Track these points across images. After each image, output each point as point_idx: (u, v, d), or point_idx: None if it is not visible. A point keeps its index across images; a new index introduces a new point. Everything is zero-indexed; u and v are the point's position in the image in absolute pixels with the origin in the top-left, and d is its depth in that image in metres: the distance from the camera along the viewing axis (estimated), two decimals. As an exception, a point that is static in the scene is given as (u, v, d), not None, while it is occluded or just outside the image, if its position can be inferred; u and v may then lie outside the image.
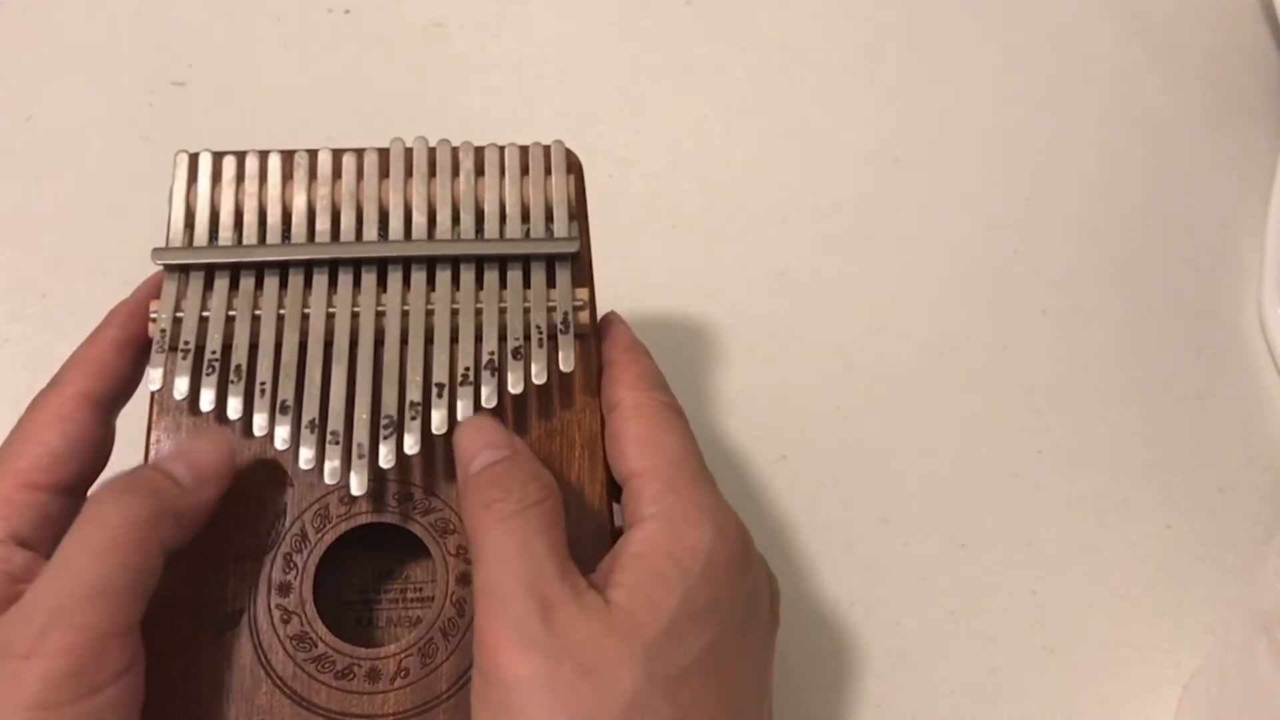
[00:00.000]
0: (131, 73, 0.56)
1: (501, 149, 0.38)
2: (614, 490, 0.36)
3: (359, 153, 0.38)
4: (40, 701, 0.28)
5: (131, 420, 0.36)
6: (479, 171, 0.38)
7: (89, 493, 0.35)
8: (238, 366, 0.35)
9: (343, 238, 0.37)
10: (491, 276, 0.36)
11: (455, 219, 0.37)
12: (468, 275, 0.36)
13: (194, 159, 0.38)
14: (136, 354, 0.36)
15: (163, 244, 0.37)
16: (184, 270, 0.36)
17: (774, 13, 0.59)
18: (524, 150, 0.38)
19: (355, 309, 0.36)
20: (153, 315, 0.35)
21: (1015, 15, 0.59)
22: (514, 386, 0.35)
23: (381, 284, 0.36)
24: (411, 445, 0.34)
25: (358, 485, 0.34)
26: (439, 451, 0.35)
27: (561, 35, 0.58)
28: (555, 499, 0.32)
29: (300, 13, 0.58)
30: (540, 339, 0.35)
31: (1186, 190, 0.55)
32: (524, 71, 0.57)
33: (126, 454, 0.36)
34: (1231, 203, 0.54)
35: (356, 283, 0.36)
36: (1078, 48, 0.59)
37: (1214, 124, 0.57)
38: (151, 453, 0.35)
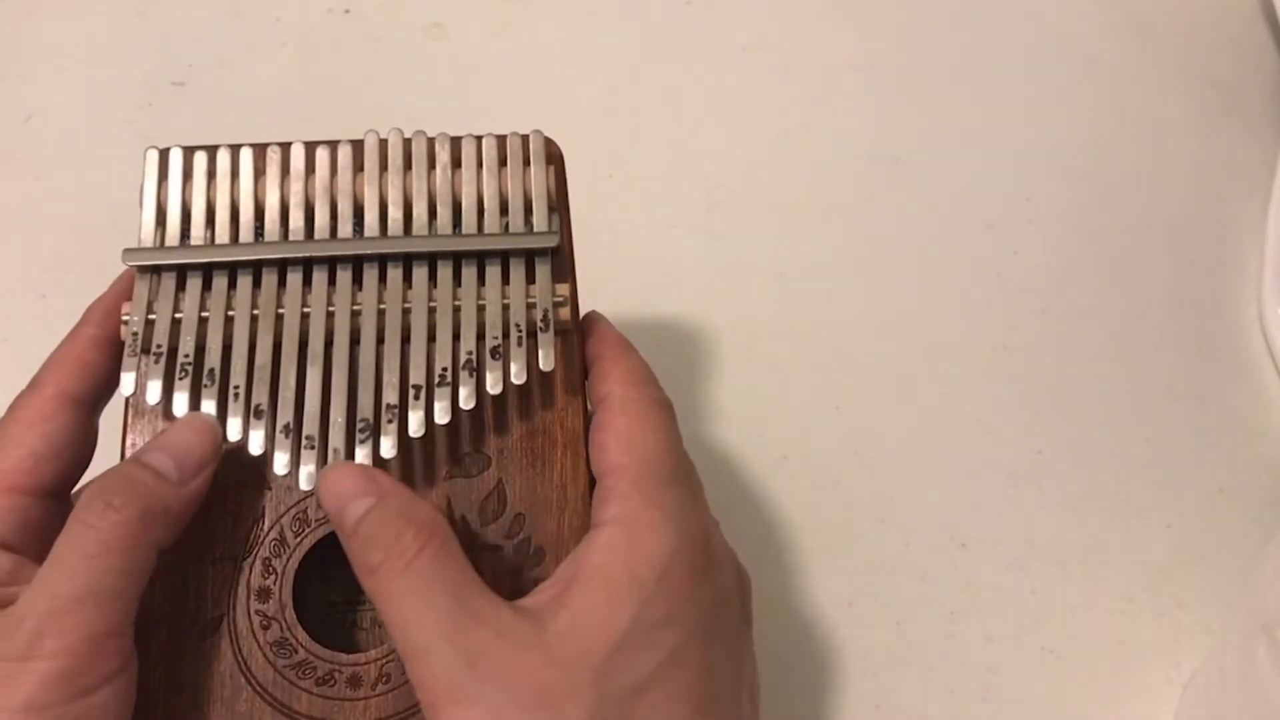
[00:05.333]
0: (131, 73, 0.56)
1: (478, 139, 0.37)
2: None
3: (332, 146, 0.37)
4: (34, 703, 0.28)
5: (114, 419, 0.36)
6: (455, 164, 0.37)
7: (73, 492, 0.35)
8: (211, 370, 0.34)
9: (317, 234, 0.36)
10: (469, 273, 0.36)
11: (432, 213, 0.36)
12: (445, 272, 0.35)
13: (164, 155, 0.37)
14: (116, 351, 0.35)
15: (134, 244, 0.36)
16: (155, 271, 0.35)
17: (774, 13, 0.59)
18: (501, 140, 0.37)
19: (330, 308, 0.35)
20: (125, 317, 0.35)
21: (1015, 15, 0.59)
22: (492, 387, 0.34)
23: (357, 282, 0.35)
24: (388, 449, 0.33)
25: None
26: (416, 454, 0.35)
27: (561, 35, 0.58)
28: (440, 535, 0.31)
29: (300, 13, 0.58)
30: (520, 337, 0.35)
31: (1186, 190, 0.55)
32: (524, 71, 0.57)
33: (111, 454, 0.35)
34: (1231, 203, 0.54)
35: (331, 281, 0.35)
36: (1078, 48, 0.59)
37: (1214, 124, 0.57)
38: (126, 457, 0.34)
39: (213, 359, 0.34)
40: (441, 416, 0.34)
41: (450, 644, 0.29)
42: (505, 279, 0.36)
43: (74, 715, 0.28)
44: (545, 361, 0.34)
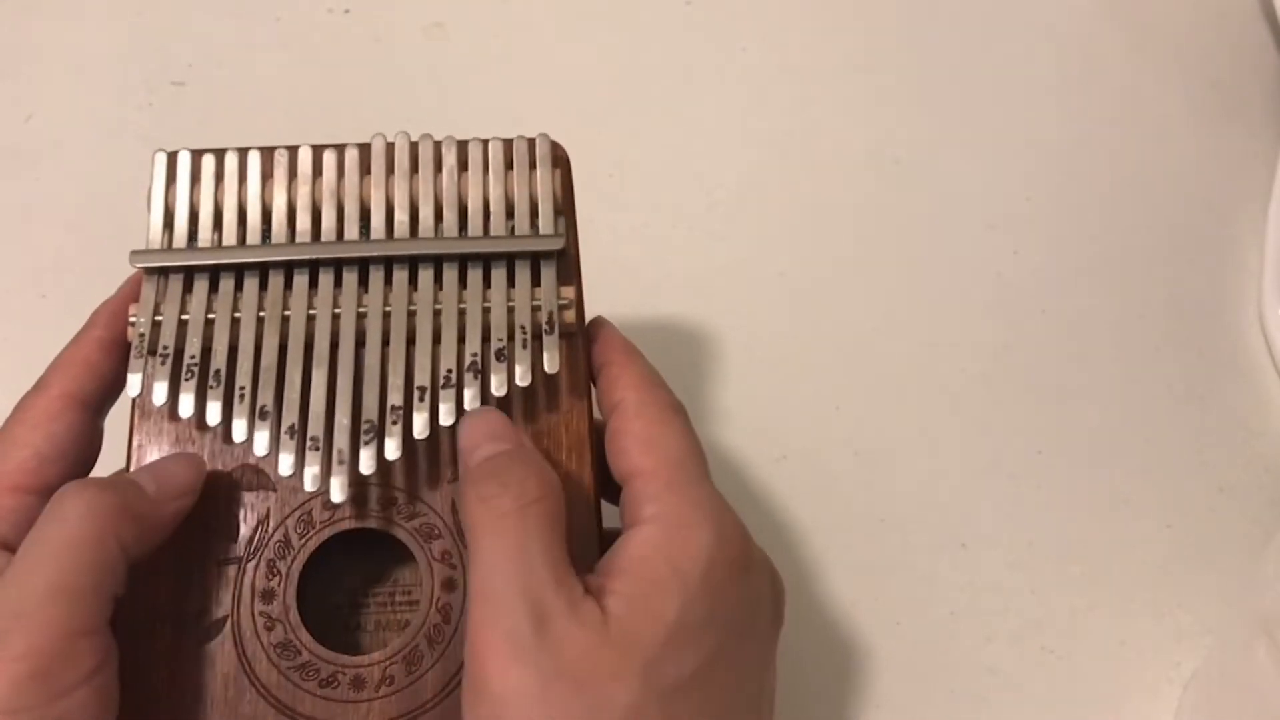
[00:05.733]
0: (131, 73, 0.56)
1: (485, 143, 0.37)
2: (608, 491, 0.35)
3: (339, 149, 0.37)
4: (8, 706, 0.27)
5: (119, 423, 0.36)
6: (462, 167, 0.37)
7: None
8: (217, 371, 0.34)
9: (324, 237, 0.36)
10: (475, 275, 0.36)
11: (438, 216, 0.37)
12: (450, 274, 0.36)
13: (172, 158, 0.37)
14: (122, 353, 0.35)
15: (142, 246, 0.36)
16: (163, 272, 0.35)
17: (774, 13, 0.59)
18: (508, 144, 0.37)
19: (336, 310, 0.35)
20: (131, 319, 0.35)
21: (1015, 15, 0.59)
22: (497, 389, 0.34)
23: (363, 284, 0.35)
24: (392, 451, 0.33)
25: (338, 492, 0.33)
26: (421, 456, 0.35)
27: (561, 35, 0.58)
28: (556, 498, 0.32)
29: (300, 13, 0.58)
30: (525, 340, 0.35)
31: (1186, 190, 0.55)
32: (524, 71, 0.57)
33: (114, 457, 0.36)
34: (1231, 203, 0.54)
35: (337, 283, 0.35)
36: (1078, 48, 0.59)
37: (1214, 124, 0.57)
38: (134, 457, 0.35)
39: (219, 360, 0.34)
40: (446, 418, 0.34)
41: (525, 599, 0.29)
42: (510, 281, 0.36)
43: (53, 717, 0.28)
44: (550, 364, 0.35)
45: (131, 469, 0.35)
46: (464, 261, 0.36)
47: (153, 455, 0.35)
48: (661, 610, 0.30)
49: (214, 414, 0.34)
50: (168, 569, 0.33)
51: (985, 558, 0.46)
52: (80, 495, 0.30)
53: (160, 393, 0.34)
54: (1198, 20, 0.60)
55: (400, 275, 0.36)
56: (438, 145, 0.37)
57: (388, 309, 0.35)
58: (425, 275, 0.36)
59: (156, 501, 0.32)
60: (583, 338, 0.37)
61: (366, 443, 0.33)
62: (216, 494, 0.34)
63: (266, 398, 0.34)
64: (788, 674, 0.43)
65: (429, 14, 0.58)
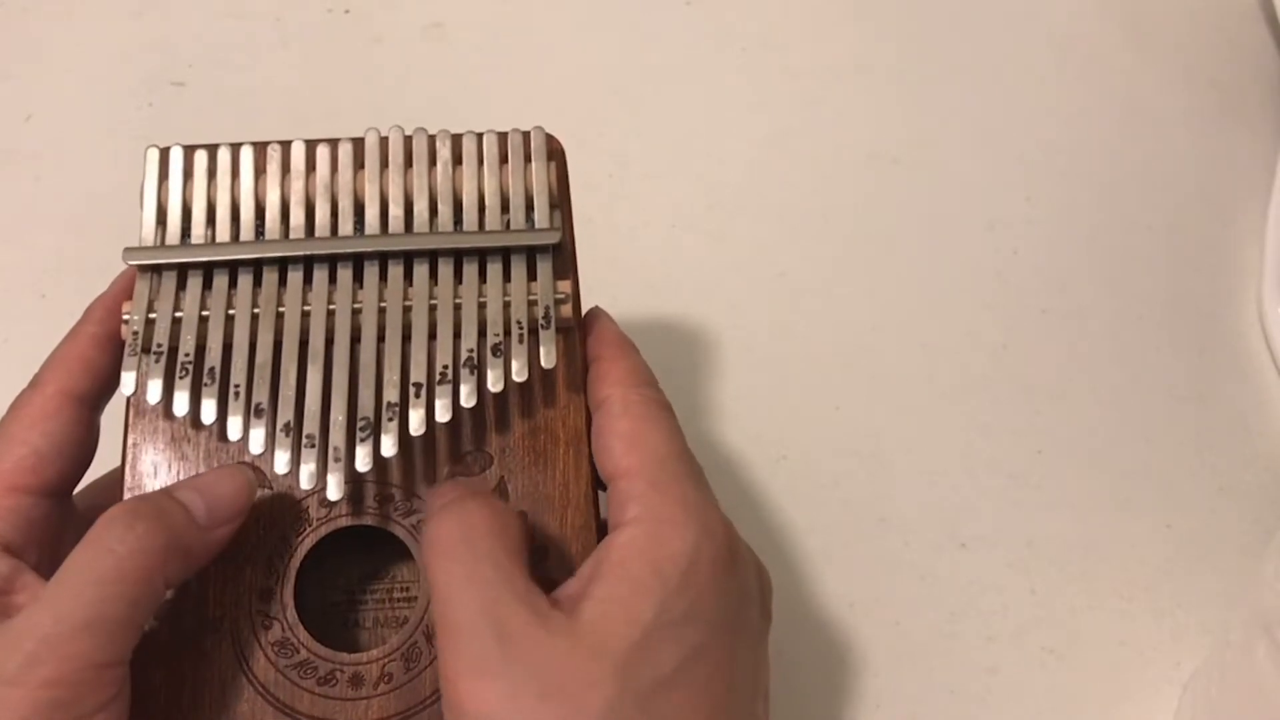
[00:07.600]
0: (131, 73, 0.56)
1: (479, 136, 0.37)
2: (602, 485, 0.35)
3: (333, 143, 0.37)
4: None
5: (115, 419, 0.36)
6: (456, 161, 0.37)
7: (74, 493, 0.35)
8: (211, 369, 0.34)
9: (318, 232, 0.36)
10: (470, 270, 0.36)
11: (433, 211, 0.36)
12: (446, 269, 0.35)
13: (164, 154, 0.37)
14: (118, 349, 0.35)
15: (135, 243, 0.36)
16: (156, 269, 0.35)
17: (774, 13, 0.59)
18: (502, 137, 0.37)
19: (331, 306, 0.35)
20: (125, 316, 0.35)
21: (1015, 15, 0.59)
22: (494, 385, 0.34)
23: (357, 280, 0.35)
24: (389, 447, 0.33)
25: (335, 489, 0.33)
26: (418, 452, 0.35)
27: (561, 35, 0.58)
28: (505, 522, 0.31)
29: (300, 12, 0.58)
30: (521, 334, 0.34)
31: (1186, 190, 0.55)
32: (524, 71, 0.57)
33: (110, 454, 0.35)
34: (1231, 203, 0.54)
35: (332, 279, 0.35)
36: (1078, 47, 0.59)
37: (1214, 124, 0.57)
38: (129, 455, 0.34)
39: (213, 358, 0.34)
40: (443, 415, 0.33)
41: (486, 619, 0.29)
42: (506, 276, 0.36)
43: None
44: (547, 359, 0.34)
45: (128, 467, 0.34)
46: (459, 256, 0.36)
47: (149, 453, 0.34)
48: (637, 612, 0.30)
49: (209, 412, 0.34)
50: None
51: (985, 558, 0.46)
52: (132, 528, 0.30)
53: (154, 391, 0.34)
54: (1198, 20, 0.60)
55: (395, 271, 0.35)
56: (432, 139, 0.37)
57: (383, 305, 0.35)
58: (420, 270, 0.35)
59: (207, 528, 0.32)
60: (580, 331, 0.36)
61: (363, 440, 0.33)
62: None
63: (262, 395, 0.34)
64: (786, 674, 0.43)
65: (429, 14, 0.58)
